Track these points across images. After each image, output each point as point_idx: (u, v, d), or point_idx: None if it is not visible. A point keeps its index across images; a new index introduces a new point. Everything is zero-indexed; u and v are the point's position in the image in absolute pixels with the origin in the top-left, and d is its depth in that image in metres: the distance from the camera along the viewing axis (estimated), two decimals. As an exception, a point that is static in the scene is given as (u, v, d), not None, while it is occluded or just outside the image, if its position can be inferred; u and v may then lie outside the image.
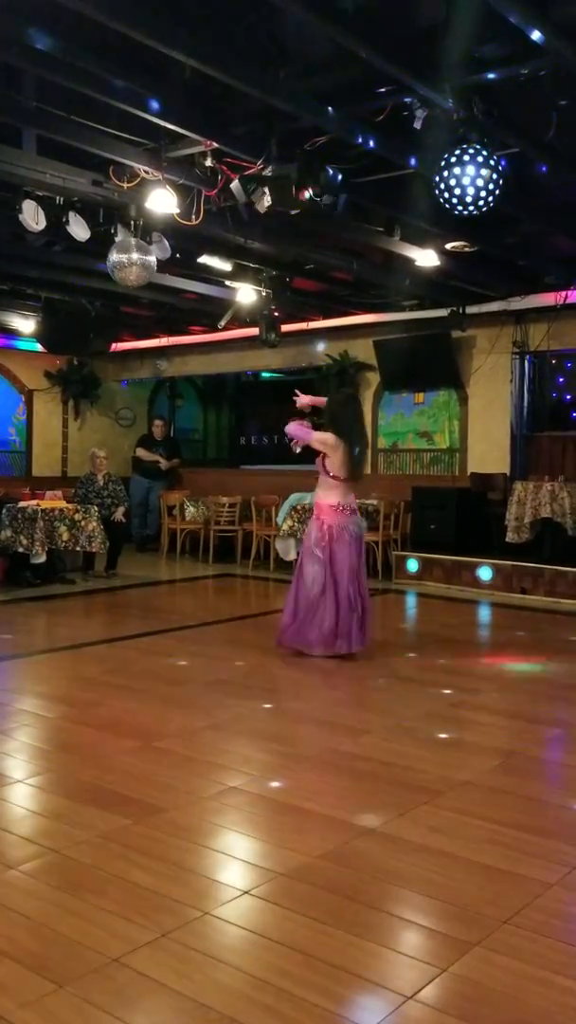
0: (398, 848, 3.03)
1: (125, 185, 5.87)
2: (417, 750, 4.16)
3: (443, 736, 4.38)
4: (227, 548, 11.25)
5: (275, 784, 3.63)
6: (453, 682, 5.46)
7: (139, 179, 5.85)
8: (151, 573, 10.29)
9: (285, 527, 10.02)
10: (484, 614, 8.35)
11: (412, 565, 9.67)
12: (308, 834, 3.12)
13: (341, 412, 6.08)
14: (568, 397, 11.78)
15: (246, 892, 2.69)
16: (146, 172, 5.78)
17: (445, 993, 2.21)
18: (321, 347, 11.81)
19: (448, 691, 5.25)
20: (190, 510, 11.56)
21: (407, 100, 5.04)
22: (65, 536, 8.84)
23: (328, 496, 5.98)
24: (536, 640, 7.03)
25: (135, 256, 6.50)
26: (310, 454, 6.32)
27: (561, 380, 11.88)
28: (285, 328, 10.52)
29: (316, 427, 6.30)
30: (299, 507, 9.99)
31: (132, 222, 6.51)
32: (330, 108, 5.05)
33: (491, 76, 4.77)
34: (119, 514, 9.70)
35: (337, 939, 2.43)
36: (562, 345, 9.96)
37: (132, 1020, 2.08)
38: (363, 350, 11.23)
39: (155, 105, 4.92)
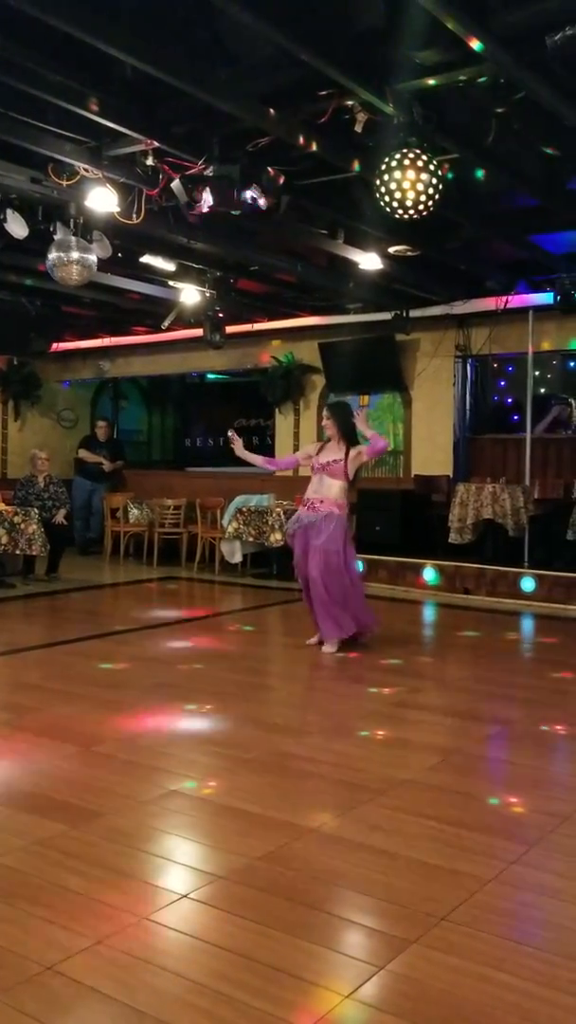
0: (338, 848, 3.04)
1: (64, 183, 5.79)
2: (359, 750, 4.18)
3: (385, 735, 4.40)
4: (171, 551, 11.17)
5: (216, 786, 3.61)
6: (395, 682, 5.50)
7: (79, 177, 5.78)
8: (93, 576, 10.17)
9: (230, 529, 9.99)
10: (428, 614, 8.43)
11: (357, 566, 9.70)
12: (249, 836, 3.11)
13: (350, 422, 6.45)
14: (509, 400, 11.98)
15: (185, 896, 2.67)
16: (86, 170, 5.71)
17: (382, 991, 2.21)
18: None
19: (390, 691, 5.29)
20: (134, 512, 11.45)
21: (348, 103, 5.07)
22: (4, 539, 8.68)
23: (344, 497, 6.40)
24: (477, 639, 7.12)
25: (75, 255, 6.42)
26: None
27: (502, 383, 12.08)
28: (230, 329, 10.51)
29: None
30: (244, 509, 9.97)
31: (72, 220, 6.43)
32: (271, 110, 5.05)
33: (431, 82, 4.82)
34: (60, 516, 9.55)
35: (276, 940, 2.42)
36: (503, 349, 10.12)
37: (66, 1029, 2.04)
38: (308, 352, 11.26)
39: (94, 103, 4.86)
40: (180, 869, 2.89)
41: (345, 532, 6.41)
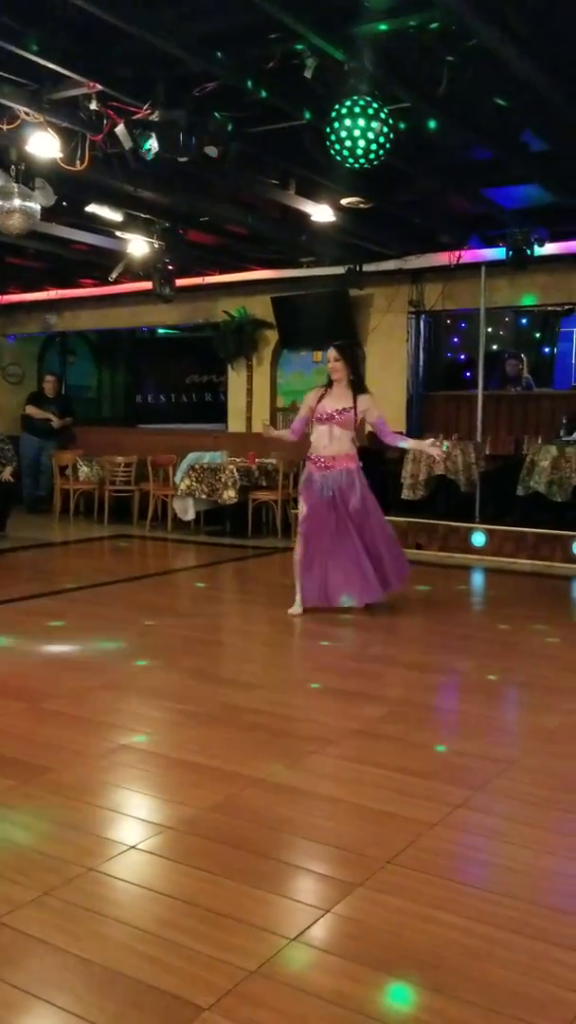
0: (287, 796, 3.07)
1: (4, 127, 5.60)
2: (309, 701, 4.22)
3: (336, 687, 4.44)
4: (123, 509, 11.07)
5: (166, 740, 3.62)
6: (347, 635, 5.55)
7: (19, 121, 5.58)
8: (43, 535, 10.05)
9: (183, 486, 9.92)
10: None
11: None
12: (198, 787, 3.12)
13: (361, 365, 6.05)
14: (462, 357, 12.00)
15: (133, 847, 2.68)
16: (26, 114, 5.52)
17: (328, 933, 2.25)
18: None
19: (342, 644, 5.33)
20: (84, 470, 11.31)
21: (298, 48, 4.95)
22: (-49, 497, 8.52)
23: (354, 448, 5.96)
24: (429, 593, 7.20)
25: (16, 203, 6.23)
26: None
27: (455, 340, 12.08)
28: (180, 283, 10.33)
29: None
30: (197, 466, 9.90)
31: (13, 166, 6.22)
32: (219, 53, 4.91)
33: (382, 27, 4.72)
34: (7, 474, 9.40)
35: (224, 888, 2.44)
36: (456, 305, 10.11)
37: (13, 979, 2.04)
38: (261, 307, 11.13)
39: (33, 42, 4.68)
40: (129, 821, 2.90)
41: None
